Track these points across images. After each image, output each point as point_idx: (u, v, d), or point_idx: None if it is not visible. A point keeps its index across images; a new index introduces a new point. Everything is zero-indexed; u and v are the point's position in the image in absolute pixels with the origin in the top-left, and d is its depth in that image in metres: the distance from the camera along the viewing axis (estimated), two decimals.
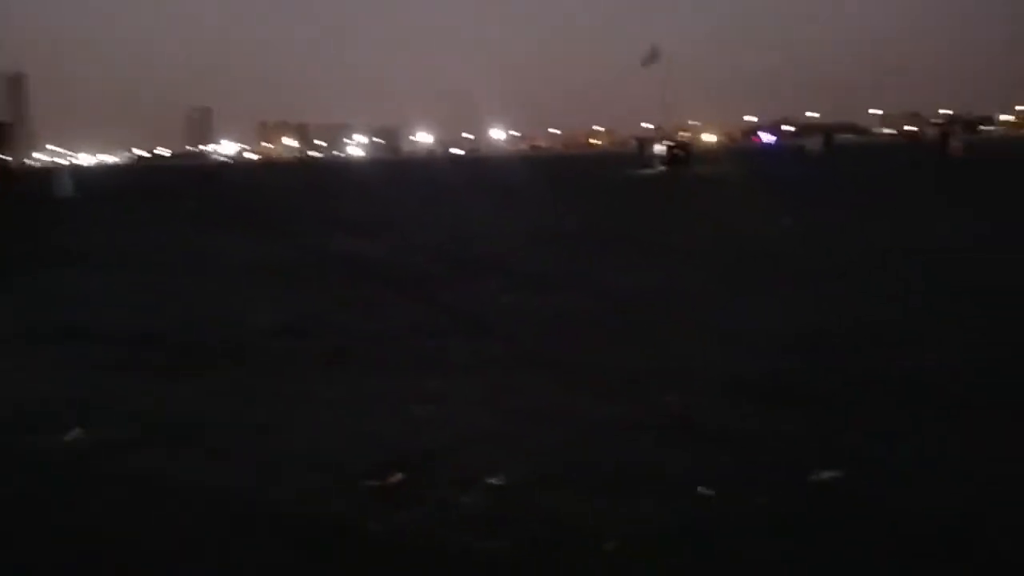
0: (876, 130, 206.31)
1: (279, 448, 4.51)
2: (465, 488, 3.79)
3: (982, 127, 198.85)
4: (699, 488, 3.67)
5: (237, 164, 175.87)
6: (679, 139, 50.27)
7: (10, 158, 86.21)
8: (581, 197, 26.09)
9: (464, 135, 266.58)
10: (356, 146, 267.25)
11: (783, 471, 3.91)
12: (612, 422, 4.67)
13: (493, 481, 3.86)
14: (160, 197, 36.81)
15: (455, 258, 12.03)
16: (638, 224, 16.34)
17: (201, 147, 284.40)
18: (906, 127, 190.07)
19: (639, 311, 7.74)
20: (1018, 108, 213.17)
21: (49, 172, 58.17)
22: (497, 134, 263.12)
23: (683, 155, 44.15)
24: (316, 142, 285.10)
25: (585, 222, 16.96)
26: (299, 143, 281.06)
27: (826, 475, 3.76)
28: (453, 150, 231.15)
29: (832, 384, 5.21)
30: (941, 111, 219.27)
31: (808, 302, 7.83)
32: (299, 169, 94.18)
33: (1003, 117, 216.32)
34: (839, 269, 9.53)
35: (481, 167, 68.83)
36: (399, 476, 3.98)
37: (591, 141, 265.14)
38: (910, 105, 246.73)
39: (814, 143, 54.61)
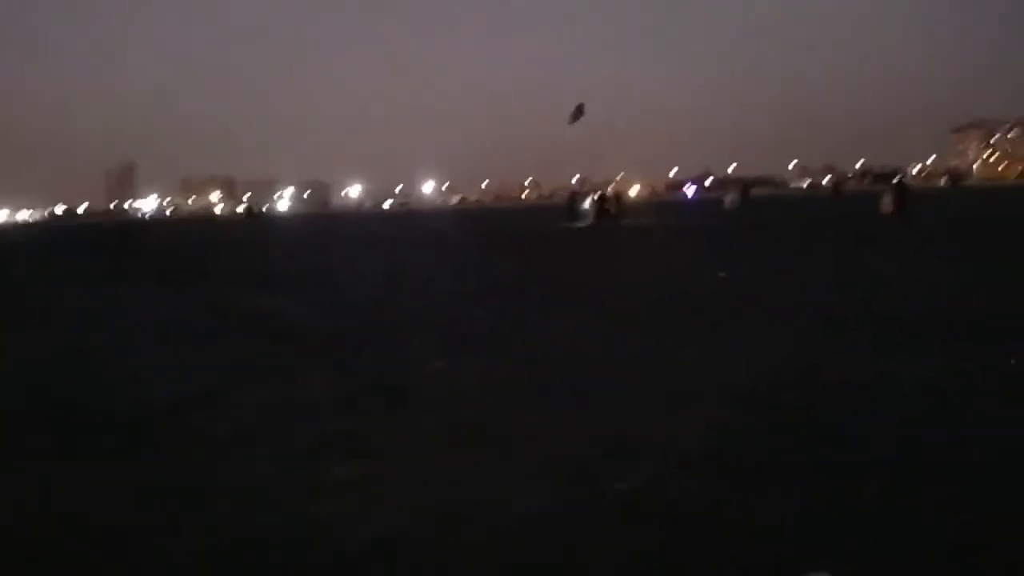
0: (794, 183, 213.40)
1: (167, 556, 3.76)
2: None
3: (895, 179, 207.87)
4: None
5: (159, 220, 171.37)
6: (608, 192, 50.75)
7: None
8: (514, 250, 25.71)
9: (395, 188, 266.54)
10: (285, 200, 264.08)
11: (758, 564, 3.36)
12: (557, 511, 4.08)
13: None
14: (68, 254, 35.07)
15: (381, 318, 11.33)
16: (574, 279, 15.93)
17: (123, 203, 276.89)
18: (824, 180, 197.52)
19: (579, 373, 7.19)
20: (928, 162, 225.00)
21: None
22: (428, 187, 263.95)
23: (613, 208, 44.50)
24: (244, 197, 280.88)
25: (520, 276, 16.50)
26: (225, 197, 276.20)
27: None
28: (384, 204, 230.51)
29: (790, 448, 4.73)
30: (857, 164, 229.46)
31: (753, 355, 7.42)
32: (224, 224, 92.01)
33: (914, 170, 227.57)
34: (777, 321, 9.21)
35: (412, 220, 68.33)
36: None
37: (522, 194, 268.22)
38: (828, 158, 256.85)
39: (732, 196, 56.00)
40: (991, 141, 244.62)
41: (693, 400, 6.07)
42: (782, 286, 12.87)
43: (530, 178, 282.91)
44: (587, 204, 44.11)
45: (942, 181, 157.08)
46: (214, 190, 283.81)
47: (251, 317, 11.93)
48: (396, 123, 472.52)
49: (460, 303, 12.38)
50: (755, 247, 21.86)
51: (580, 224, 40.00)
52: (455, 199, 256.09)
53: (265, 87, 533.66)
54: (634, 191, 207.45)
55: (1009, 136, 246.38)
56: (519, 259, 21.72)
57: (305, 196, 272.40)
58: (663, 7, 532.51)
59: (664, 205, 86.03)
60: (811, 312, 10.01)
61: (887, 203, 33.30)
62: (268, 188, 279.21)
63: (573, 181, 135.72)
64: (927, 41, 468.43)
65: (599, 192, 47.59)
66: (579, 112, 48.79)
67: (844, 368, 6.90)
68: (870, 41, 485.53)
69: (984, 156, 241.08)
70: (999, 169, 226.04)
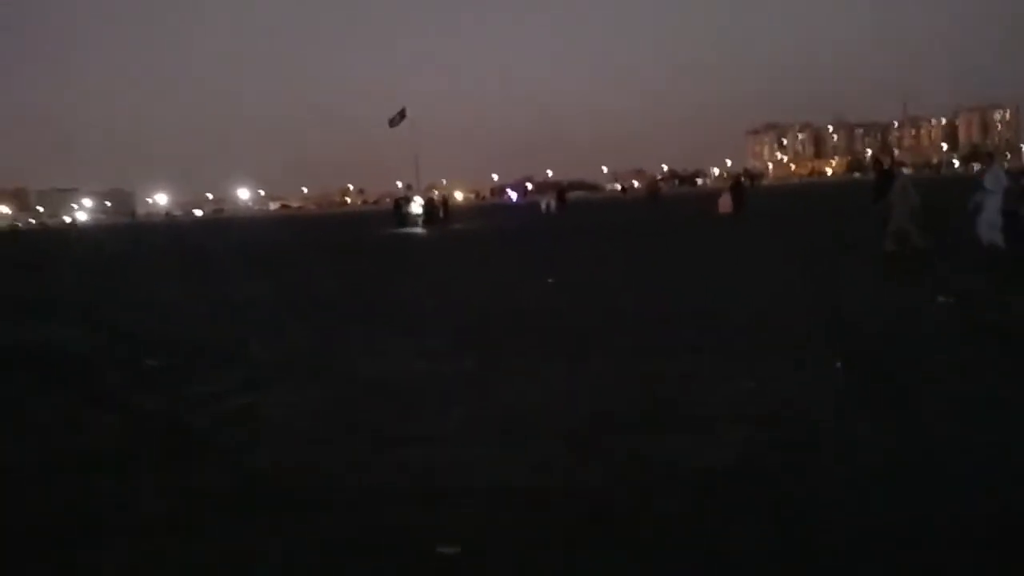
0: (607, 186, 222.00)
1: None
2: None
3: (699, 180, 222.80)
4: None
5: None
6: (434, 197, 50.14)
7: None
8: (338, 260, 24.42)
9: (206, 195, 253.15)
10: (84, 211, 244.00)
11: None
12: None
13: None
14: None
15: (176, 346, 9.92)
16: (398, 289, 15.08)
17: None
18: (634, 182, 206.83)
19: (396, 405, 6.39)
20: (728, 163, 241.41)
21: None
22: (243, 194, 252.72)
23: (440, 212, 43.98)
24: (38, 208, 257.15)
25: (342, 288, 15.44)
26: (15, 209, 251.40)
27: None
28: (195, 211, 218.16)
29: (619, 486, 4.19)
30: (663, 167, 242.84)
31: (586, 373, 6.93)
32: (8, 238, 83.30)
33: (715, 171, 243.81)
34: (615, 329, 8.85)
35: (226, 229, 64.56)
36: None
37: (345, 200, 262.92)
38: (636, 163, 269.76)
39: (548, 200, 57.27)
40: (783, 143, 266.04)
41: (521, 430, 5.45)
42: (609, 291, 12.65)
43: (353, 185, 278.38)
44: (414, 209, 43.33)
45: (743, 181, 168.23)
46: (2, 203, 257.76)
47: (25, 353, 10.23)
48: (208, 129, 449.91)
49: (276, 322, 11.23)
50: (579, 251, 21.88)
51: (408, 230, 39.16)
52: (275, 205, 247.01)
53: (56, 91, 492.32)
54: (459, 196, 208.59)
55: (799, 138, 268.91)
56: (343, 269, 20.56)
57: (108, 205, 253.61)
58: (485, 23, 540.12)
59: (488, 209, 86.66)
60: (644, 320, 9.74)
61: (725, 202, 34.77)
62: (65, 198, 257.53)
63: (399, 186, 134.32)
64: (722, 49, 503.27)
65: (426, 197, 46.92)
66: (401, 116, 47.81)
67: (685, 386, 6.53)
68: (670, 51, 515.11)
69: (777, 157, 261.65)
70: (792, 169, 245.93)
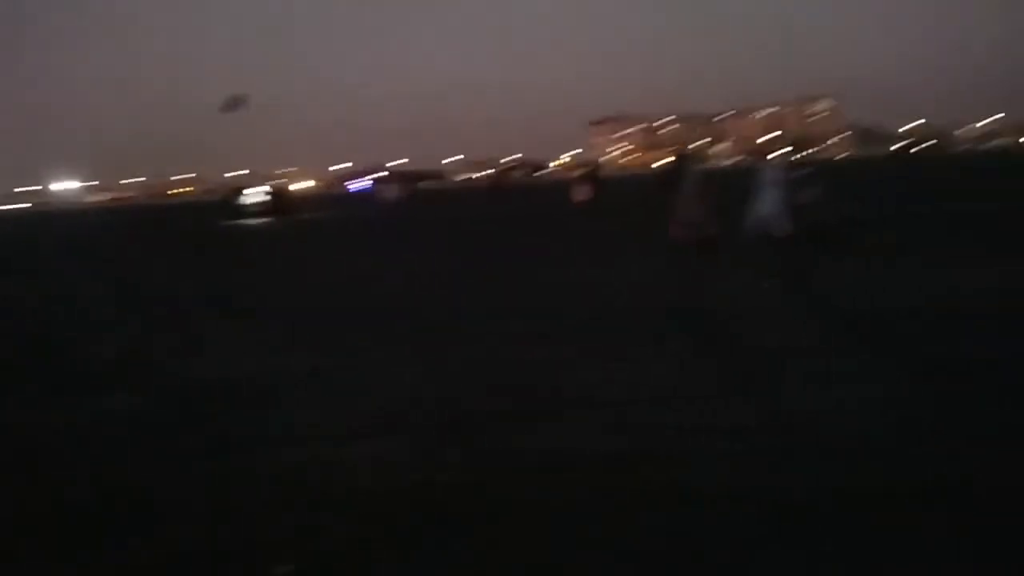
0: (457, 176, 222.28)
1: None
2: None
3: (538, 172, 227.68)
4: None
5: None
6: (275, 186, 48.15)
7: None
8: (166, 254, 22.80)
9: (13, 188, 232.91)
10: None
11: None
12: None
13: None
14: None
15: None
16: (232, 284, 14.16)
17: None
18: (485, 171, 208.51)
19: (228, 413, 5.83)
20: (565, 157, 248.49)
21: None
22: (66, 184, 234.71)
23: (281, 202, 42.27)
24: None
25: (170, 285, 14.32)
26: None
27: None
28: (6, 206, 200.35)
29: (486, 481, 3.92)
30: (512, 157, 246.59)
31: (454, 358, 6.62)
32: None
33: (554, 164, 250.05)
34: (470, 320, 8.58)
35: (46, 223, 59.47)
36: None
37: (179, 189, 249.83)
38: (485, 152, 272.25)
39: (394, 190, 56.49)
40: (626, 135, 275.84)
41: (374, 424, 5.07)
42: (461, 285, 12.38)
43: (192, 173, 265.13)
44: (254, 199, 41.47)
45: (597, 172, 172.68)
46: None
47: None
48: (20, 118, 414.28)
49: (97, 325, 10.20)
50: (430, 241, 21.51)
51: (247, 221, 37.41)
52: (101, 197, 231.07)
53: None
54: (305, 185, 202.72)
55: (636, 128, 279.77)
56: (173, 264, 19.19)
57: None
58: (332, 4, 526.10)
59: (336, 199, 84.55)
60: (498, 310, 9.53)
61: (582, 191, 34.74)
62: None
63: (239, 174, 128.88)
64: (570, 42, 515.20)
65: (268, 186, 44.96)
66: (236, 101, 45.62)
67: (547, 374, 6.33)
68: (517, 40, 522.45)
69: (619, 148, 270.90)
70: (634, 159, 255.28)
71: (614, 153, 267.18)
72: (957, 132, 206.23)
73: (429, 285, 11.85)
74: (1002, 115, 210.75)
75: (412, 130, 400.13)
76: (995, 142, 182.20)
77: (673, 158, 17.09)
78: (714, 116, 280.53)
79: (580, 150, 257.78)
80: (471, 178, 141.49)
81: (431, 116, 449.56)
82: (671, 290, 9.82)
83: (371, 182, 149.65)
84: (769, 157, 15.70)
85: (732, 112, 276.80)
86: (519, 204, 39.43)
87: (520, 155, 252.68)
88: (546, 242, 17.97)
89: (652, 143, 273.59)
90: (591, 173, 40.06)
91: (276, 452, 4.80)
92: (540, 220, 26.50)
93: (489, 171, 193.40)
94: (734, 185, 14.53)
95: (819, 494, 3.75)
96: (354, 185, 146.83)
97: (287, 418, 5.49)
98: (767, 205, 13.97)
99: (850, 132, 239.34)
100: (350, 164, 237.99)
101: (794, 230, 13.39)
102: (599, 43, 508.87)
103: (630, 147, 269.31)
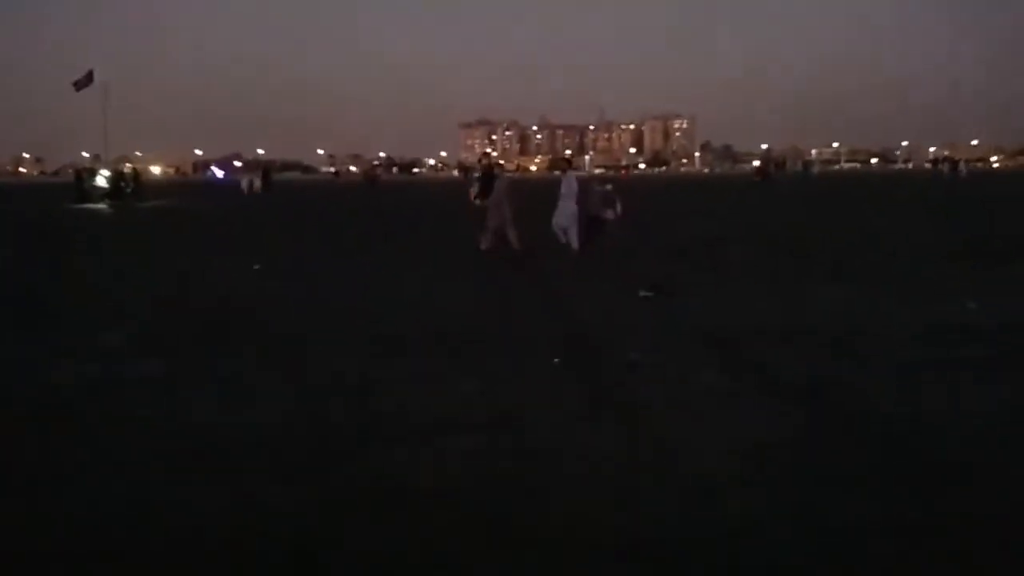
0: (323, 168, 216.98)
1: None
2: None
3: (416, 169, 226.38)
4: None
5: None
6: (124, 170, 45.18)
7: None
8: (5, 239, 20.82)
9: None
10: None
11: None
12: None
13: None
14: None
15: None
16: (77, 275, 12.99)
17: None
18: (351, 166, 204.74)
19: (69, 427, 5.18)
20: (443, 154, 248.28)
21: None
22: None
23: (130, 187, 39.71)
24: None
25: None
26: None
27: None
28: None
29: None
30: (381, 153, 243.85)
31: (308, 371, 6.15)
32: None
33: (431, 161, 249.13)
34: (326, 326, 8.10)
35: None
36: None
37: (19, 170, 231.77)
38: (353, 147, 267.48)
39: (251, 179, 54.28)
40: (493, 138, 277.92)
41: (218, 456, 4.58)
42: (320, 282, 11.81)
43: (29, 154, 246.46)
44: (99, 182, 38.77)
45: (455, 172, 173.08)
46: None
47: None
48: None
49: None
50: (287, 234, 20.61)
51: (94, 205, 34.89)
52: None
53: None
54: (156, 171, 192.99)
55: (506, 134, 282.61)
56: (9, 251, 17.49)
57: None
58: None
59: (189, 186, 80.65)
60: (357, 315, 9.08)
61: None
62: None
63: (85, 157, 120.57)
64: (438, 43, 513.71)
65: (115, 170, 42.10)
66: (88, 78, 42.45)
67: (405, 393, 5.98)
68: (390, 39, 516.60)
69: (487, 152, 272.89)
70: (501, 163, 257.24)
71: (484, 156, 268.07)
72: (808, 154, 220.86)
73: (279, 281, 11.22)
74: (837, 144, 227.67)
75: (278, 120, 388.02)
76: (838, 165, 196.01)
77: (486, 167, 17.30)
78: (581, 127, 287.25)
79: (445, 153, 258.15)
80: (338, 172, 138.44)
81: (300, 106, 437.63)
82: (527, 301, 9.71)
83: (229, 170, 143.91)
84: (569, 171, 16.04)
85: (596, 125, 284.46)
86: (391, 200, 38.66)
87: (389, 153, 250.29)
88: (415, 242, 17.52)
89: (522, 149, 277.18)
90: (486, 172, 39.58)
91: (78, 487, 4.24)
92: (412, 217, 25.98)
93: (359, 166, 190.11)
94: (541, 194, 14.79)
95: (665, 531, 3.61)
96: (212, 173, 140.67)
97: (116, 439, 4.89)
98: (563, 217, 14.41)
99: (705, 150, 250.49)
100: (203, 152, 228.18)
101: (585, 241, 13.89)
102: (473, 49, 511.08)
103: (497, 151, 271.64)
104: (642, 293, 9.77)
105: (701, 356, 6.74)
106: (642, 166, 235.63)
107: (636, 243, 15.35)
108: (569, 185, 14.94)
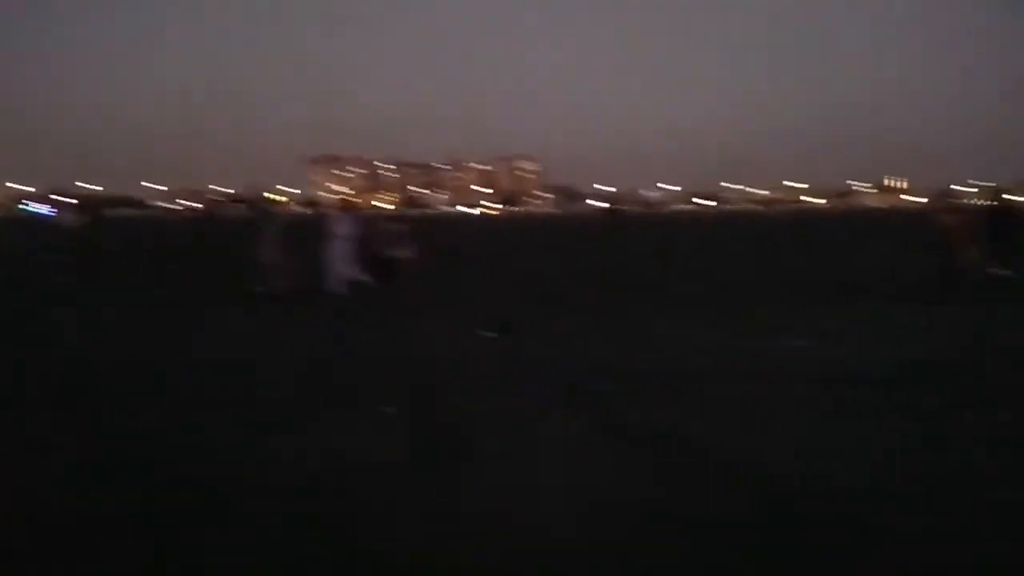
0: (155, 203, 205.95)
1: None
2: None
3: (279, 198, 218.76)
4: None
5: None
6: None
7: None
8: None
9: None
10: None
11: None
12: None
13: None
14: None
15: None
16: None
17: None
18: (188, 202, 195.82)
19: None
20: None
21: None
22: None
23: None
24: None
25: None
26: None
27: None
28: None
29: None
30: (220, 188, 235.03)
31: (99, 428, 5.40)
32: None
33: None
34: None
35: None
36: None
37: None
38: (193, 183, 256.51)
39: (74, 215, 50.47)
40: (342, 174, 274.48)
41: None
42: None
43: None
44: None
45: (309, 211, 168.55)
46: None
47: None
48: None
49: None
50: (118, 276, 19.07)
51: None
52: None
53: None
54: None
55: (357, 172, 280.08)
56: None
57: None
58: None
59: (8, 222, 74.59)
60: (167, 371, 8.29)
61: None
62: None
63: None
64: (289, 78, 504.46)
65: None
66: None
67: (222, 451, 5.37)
68: (223, 70, 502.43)
69: (339, 188, 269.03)
70: (354, 200, 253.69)
71: (334, 193, 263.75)
72: (646, 195, 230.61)
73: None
74: (677, 188, 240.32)
75: (104, 154, 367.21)
76: (673, 207, 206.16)
77: (252, 206, 16.06)
78: (431, 165, 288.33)
79: (298, 191, 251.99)
80: (171, 208, 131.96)
81: (139, 140, 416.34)
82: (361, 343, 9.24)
83: (52, 206, 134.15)
84: (342, 210, 14.85)
85: (448, 165, 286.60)
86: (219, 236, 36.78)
87: (229, 187, 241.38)
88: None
89: (372, 186, 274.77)
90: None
91: None
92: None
93: (198, 201, 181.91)
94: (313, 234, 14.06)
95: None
96: (36, 208, 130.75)
97: None
98: (339, 259, 13.37)
99: (551, 192, 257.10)
100: (28, 187, 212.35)
101: (370, 284, 12.90)
102: (317, 82, 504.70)
103: (349, 189, 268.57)
104: (486, 333, 9.50)
105: (543, 399, 6.50)
106: (494, 205, 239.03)
107: (480, 283, 15.14)
108: (343, 225, 13.84)
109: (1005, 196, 17.17)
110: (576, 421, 5.85)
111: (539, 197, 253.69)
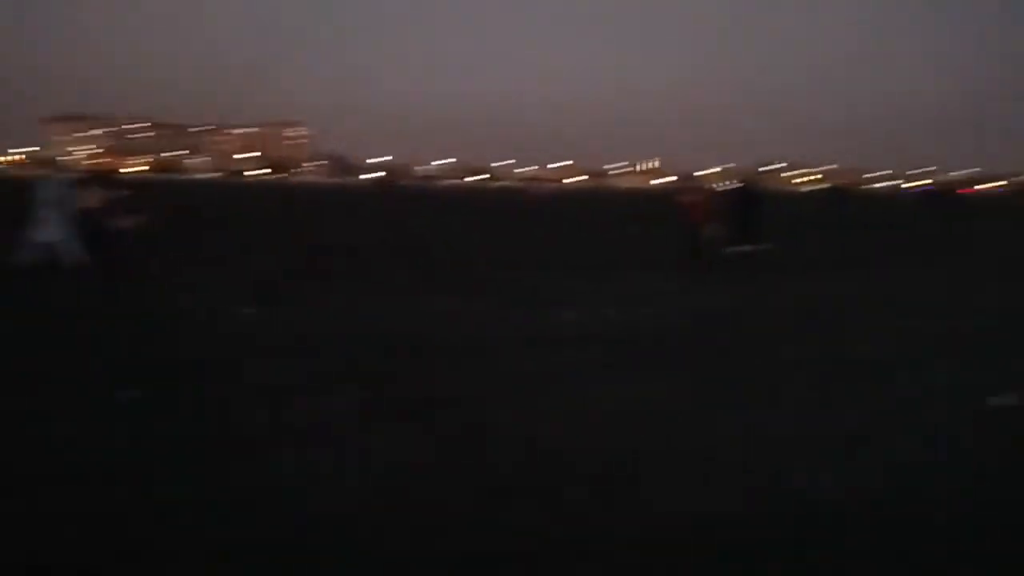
0: None
1: None
2: None
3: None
4: None
5: None
6: None
7: None
8: None
9: None
10: None
11: None
12: None
13: None
14: None
15: None
16: None
17: None
18: None
19: None
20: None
21: None
22: None
23: None
24: None
25: None
26: None
27: None
28: None
29: None
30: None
31: None
32: None
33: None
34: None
35: None
36: None
37: None
38: None
39: None
40: (86, 135, 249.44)
41: None
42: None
43: None
44: None
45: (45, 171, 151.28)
46: None
47: None
48: None
49: None
50: None
51: None
52: None
53: None
54: None
55: (107, 133, 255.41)
56: None
57: None
58: None
59: None
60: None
61: (96, 197, 27.27)
62: None
63: None
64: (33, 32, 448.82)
65: None
66: None
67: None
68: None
69: (84, 149, 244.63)
70: (101, 163, 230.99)
71: (78, 154, 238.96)
72: (416, 169, 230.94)
73: None
74: (453, 160, 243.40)
75: None
76: (444, 181, 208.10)
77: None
78: (190, 127, 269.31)
79: (36, 148, 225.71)
80: None
81: None
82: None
83: None
84: (53, 174, 13.22)
85: (210, 126, 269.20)
86: None
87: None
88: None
89: (122, 148, 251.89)
90: (103, 178, 33.37)
91: None
92: None
93: None
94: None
95: None
96: None
97: None
98: (53, 229, 11.60)
99: (324, 160, 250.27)
100: None
101: (92, 257, 11.39)
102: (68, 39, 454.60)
103: (97, 149, 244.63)
104: (244, 310, 8.90)
105: (302, 371, 6.17)
106: (260, 172, 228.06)
107: (248, 253, 14.29)
108: (50, 190, 11.86)
109: (745, 179, 18.95)
110: (356, 396, 5.60)
111: (310, 165, 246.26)
